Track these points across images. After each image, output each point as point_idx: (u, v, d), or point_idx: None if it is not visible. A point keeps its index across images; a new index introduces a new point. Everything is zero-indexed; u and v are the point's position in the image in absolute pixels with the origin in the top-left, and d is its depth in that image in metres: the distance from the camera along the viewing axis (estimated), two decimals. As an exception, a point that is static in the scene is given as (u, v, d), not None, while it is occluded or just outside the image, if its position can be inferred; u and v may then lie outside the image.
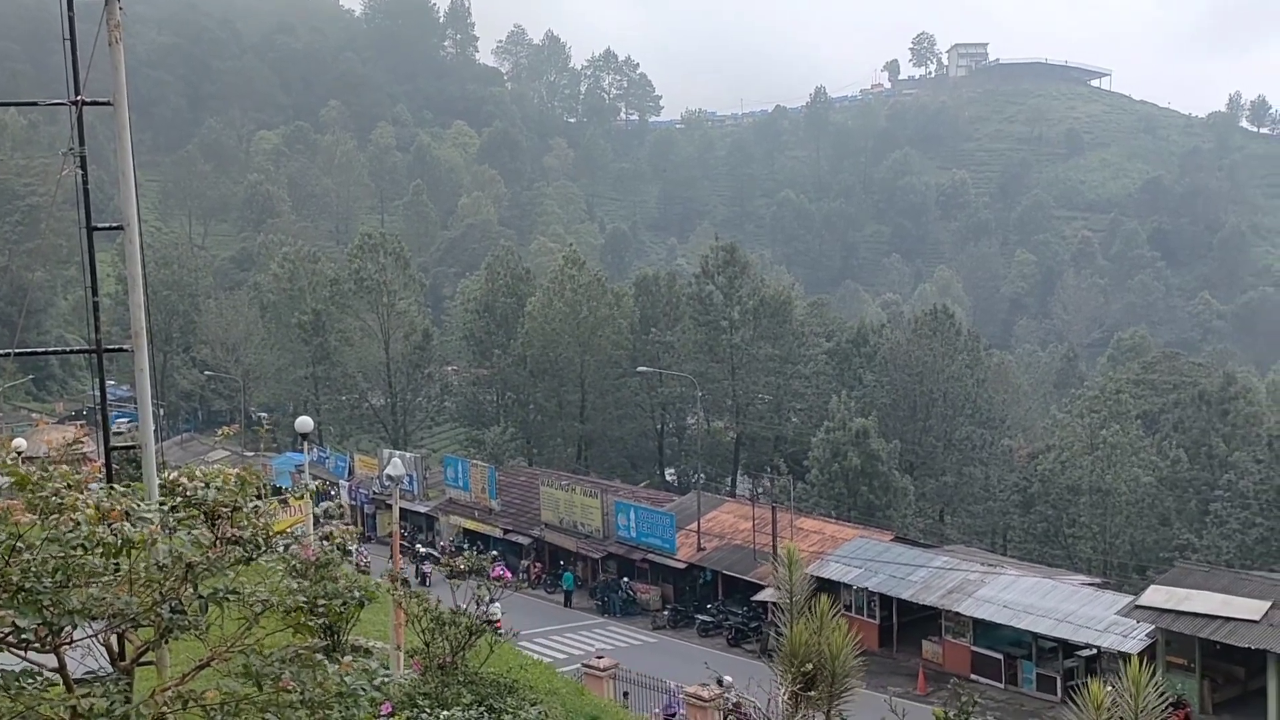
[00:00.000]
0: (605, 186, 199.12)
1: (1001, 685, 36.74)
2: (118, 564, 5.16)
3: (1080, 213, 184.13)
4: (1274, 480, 50.37)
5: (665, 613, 45.77)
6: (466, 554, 10.81)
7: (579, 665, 30.88)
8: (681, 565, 47.04)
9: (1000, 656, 37.24)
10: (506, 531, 54.09)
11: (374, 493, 58.78)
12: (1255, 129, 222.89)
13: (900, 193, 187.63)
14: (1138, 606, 34.46)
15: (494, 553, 49.64)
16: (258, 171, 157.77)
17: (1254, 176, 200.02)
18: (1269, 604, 32.55)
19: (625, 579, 47.81)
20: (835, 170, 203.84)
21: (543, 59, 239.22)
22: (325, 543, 7.26)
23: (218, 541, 5.20)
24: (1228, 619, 32.48)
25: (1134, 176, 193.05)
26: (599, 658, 28.32)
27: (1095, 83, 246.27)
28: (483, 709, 6.39)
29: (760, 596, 39.94)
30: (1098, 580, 43.53)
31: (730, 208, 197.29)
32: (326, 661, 4.83)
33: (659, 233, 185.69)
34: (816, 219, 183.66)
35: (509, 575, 9.70)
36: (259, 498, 5.96)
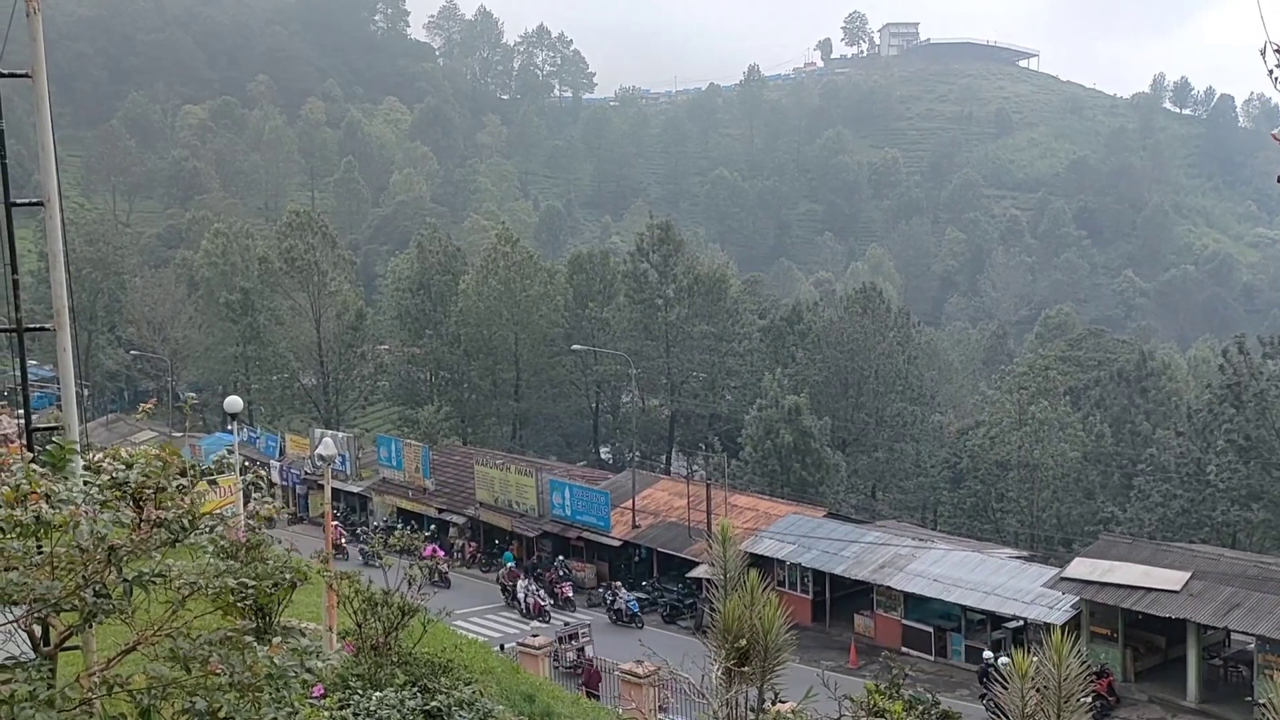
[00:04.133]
0: (539, 164, 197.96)
1: (932, 657, 37.39)
2: (40, 547, 5.05)
3: (1009, 191, 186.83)
4: (1193, 454, 51.61)
5: (600, 591, 45.88)
6: (399, 533, 10.74)
7: (514, 644, 30.91)
8: (617, 543, 47.17)
9: (930, 629, 37.85)
10: (441, 511, 53.83)
11: (306, 473, 58.13)
12: (1178, 110, 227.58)
13: (833, 171, 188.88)
14: (1063, 579, 35.23)
15: (431, 529, 49.57)
16: (183, 147, 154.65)
17: (1176, 157, 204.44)
18: (1188, 574, 33.43)
19: (560, 557, 47.83)
20: (769, 149, 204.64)
21: (475, 34, 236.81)
22: (252, 521, 7.16)
23: (142, 523, 5.09)
24: (1149, 590, 33.31)
25: (1061, 156, 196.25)
26: (534, 636, 28.33)
27: (1023, 63, 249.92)
28: (415, 689, 6.35)
29: (695, 573, 40.18)
30: (1025, 553, 44.32)
31: (665, 186, 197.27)
32: (256, 644, 4.76)
33: (593, 210, 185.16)
34: (750, 197, 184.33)
35: (441, 553, 9.65)
36: (183, 477, 5.85)
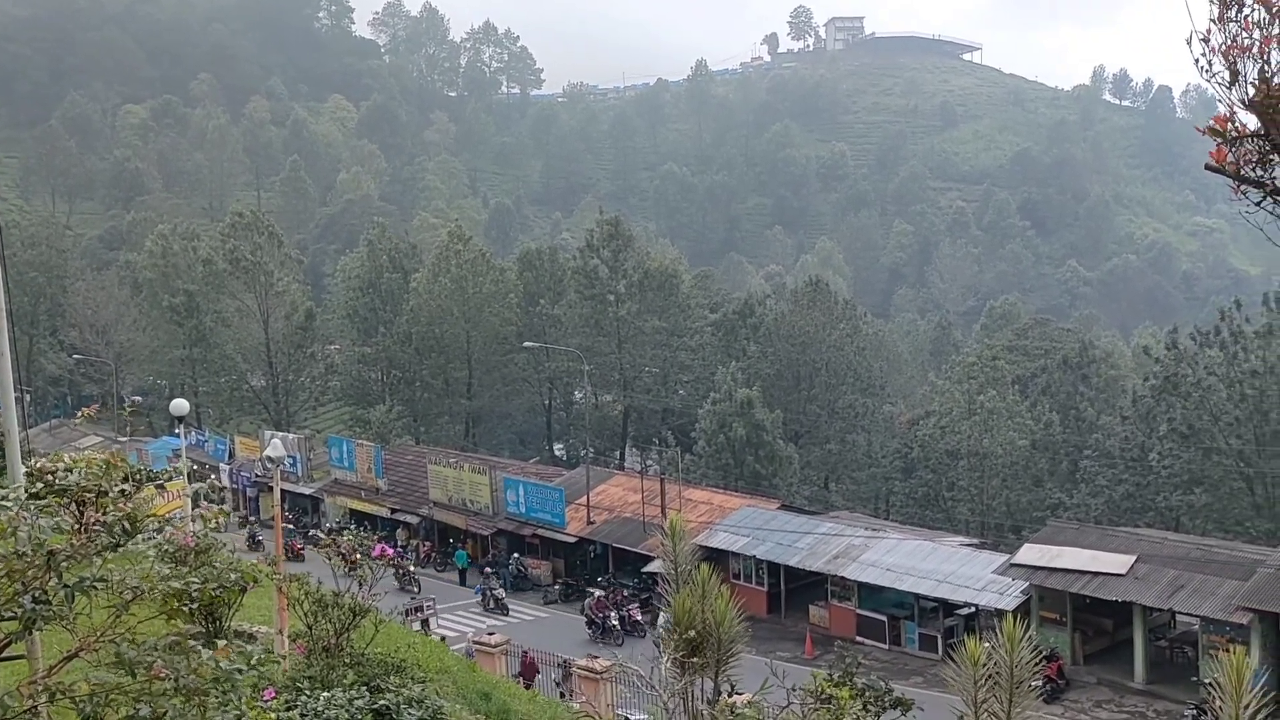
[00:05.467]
0: (487, 161, 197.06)
1: (886, 646, 37.69)
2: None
3: (955, 184, 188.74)
4: (1137, 440, 52.45)
5: (556, 587, 45.85)
6: (350, 533, 10.64)
7: (469, 642, 30.76)
8: (572, 539, 47.11)
9: (884, 618, 38.16)
10: (394, 511, 53.47)
11: (256, 475, 57.47)
12: (1118, 101, 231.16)
13: (781, 165, 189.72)
14: (1013, 565, 35.65)
15: (401, 530, 49.24)
16: (125, 147, 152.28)
17: (1116, 147, 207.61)
18: (1134, 558, 33.97)
19: (515, 555, 47.69)
20: (717, 143, 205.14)
21: (421, 31, 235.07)
22: (200, 525, 7.04)
23: (82, 528, 4.98)
24: (1096, 574, 33.80)
25: (1005, 148, 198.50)
26: (490, 634, 28.22)
27: (967, 56, 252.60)
28: (364, 688, 6.29)
29: (650, 568, 40.21)
30: (976, 541, 44.82)
31: (614, 181, 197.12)
32: (202, 648, 4.68)
33: (543, 207, 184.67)
34: (700, 192, 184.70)
35: (390, 553, 9.57)
36: (127, 482, 5.74)
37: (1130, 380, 62.71)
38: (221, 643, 5.15)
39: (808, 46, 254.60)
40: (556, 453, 75.42)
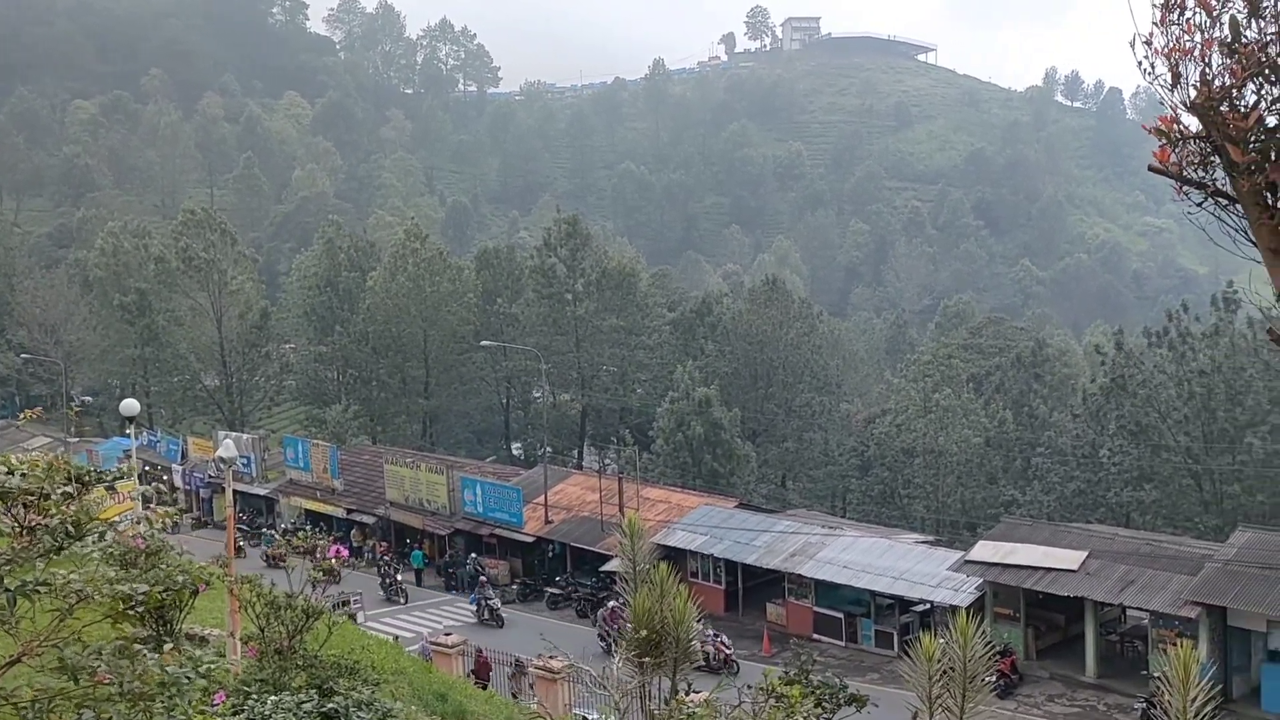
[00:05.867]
0: (444, 159, 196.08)
1: (843, 643, 37.91)
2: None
3: (910, 183, 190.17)
4: (1088, 437, 53.13)
5: (514, 587, 45.71)
6: (302, 534, 10.53)
7: (425, 642, 30.62)
8: (530, 539, 46.99)
9: (841, 615, 38.36)
10: (350, 511, 53.08)
11: (209, 476, 56.83)
12: (1069, 103, 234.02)
13: (739, 164, 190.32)
14: (967, 561, 35.98)
15: (340, 530, 48.81)
16: (74, 143, 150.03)
17: (1068, 148, 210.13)
18: (1085, 554, 34.41)
19: (473, 555, 47.50)
20: (675, 142, 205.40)
21: (376, 28, 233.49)
22: (146, 526, 6.95)
23: (24, 531, 4.88)
24: (1049, 569, 34.20)
25: (959, 148, 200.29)
26: (446, 635, 28.08)
27: (922, 57, 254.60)
28: (313, 690, 6.22)
29: (608, 567, 40.21)
30: (931, 538, 45.16)
31: (571, 180, 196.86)
32: (147, 651, 4.61)
33: (500, 205, 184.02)
34: (657, 190, 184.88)
35: (344, 553, 9.49)
36: (73, 483, 5.64)
37: (1082, 378, 63.48)
38: (168, 646, 5.07)
39: (764, 46, 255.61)
40: (514, 452, 75.19)
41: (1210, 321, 50.22)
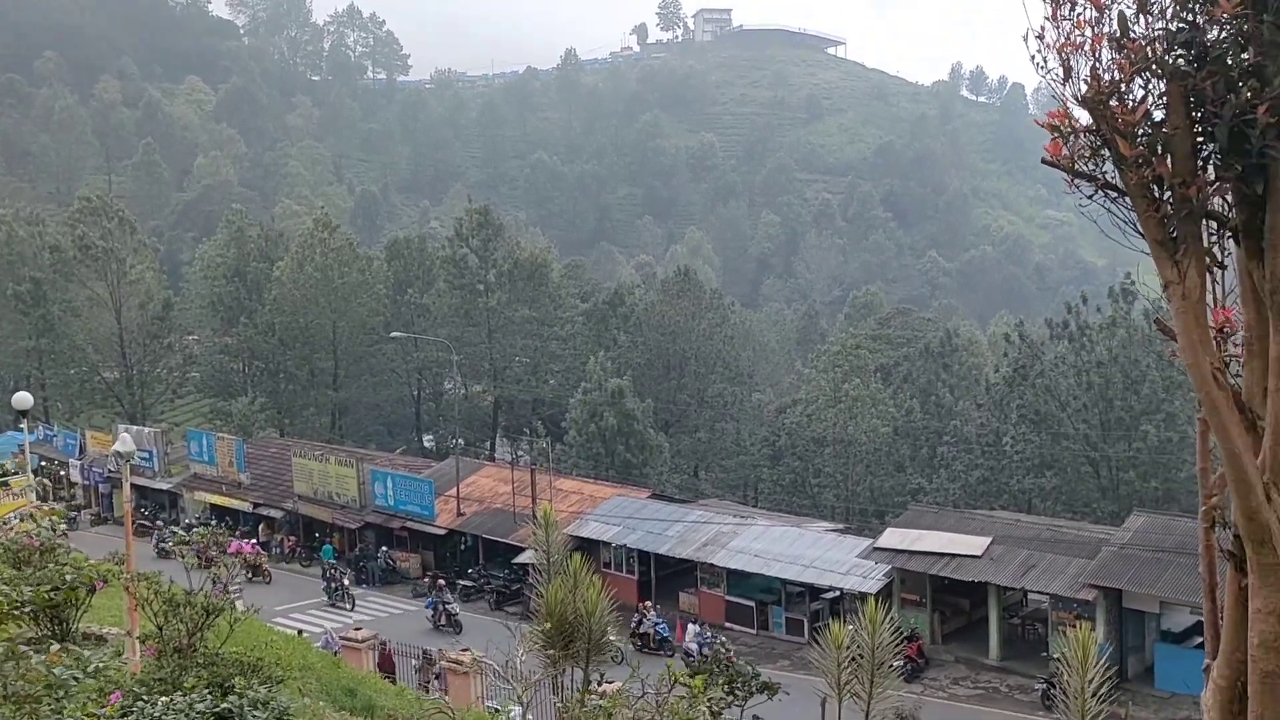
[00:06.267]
0: (353, 147, 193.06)
1: (754, 631, 38.33)
2: None
3: (820, 175, 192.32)
4: (992, 426, 54.37)
5: (425, 580, 45.32)
6: (201, 530, 10.30)
7: (328, 636, 30.29)
8: (441, 531, 46.64)
9: (752, 604, 38.78)
10: (257, 505, 52.11)
11: (109, 471, 55.33)
12: (974, 97, 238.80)
13: (651, 155, 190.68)
14: (876, 549, 36.63)
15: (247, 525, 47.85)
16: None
17: (973, 142, 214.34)
18: (989, 539, 35.25)
19: (384, 548, 46.97)
20: (587, 132, 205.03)
21: (282, 13, 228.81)
22: (33, 524, 6.72)
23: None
24: (954, 555, 34.97)
25: (868, 141, 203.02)
26: (356, 629, 27.75)
27: (831, 50, 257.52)
28: (208, 691, 6.07)
29: (521, 559, 40.07)
30: (841, 526, 45.87)
31: (483, 170, 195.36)
32: (32, 653, 4.46)
33: (411, 195, 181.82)
34: (570, 181, 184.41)
35: (249, 548, 9.31)
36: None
37: (987, 368, 64.88)
38: (55, 647, 4.91)
39: (676, 38, 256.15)
40: (426, 444, 74.51)
41: (1108, 313, 51.69)
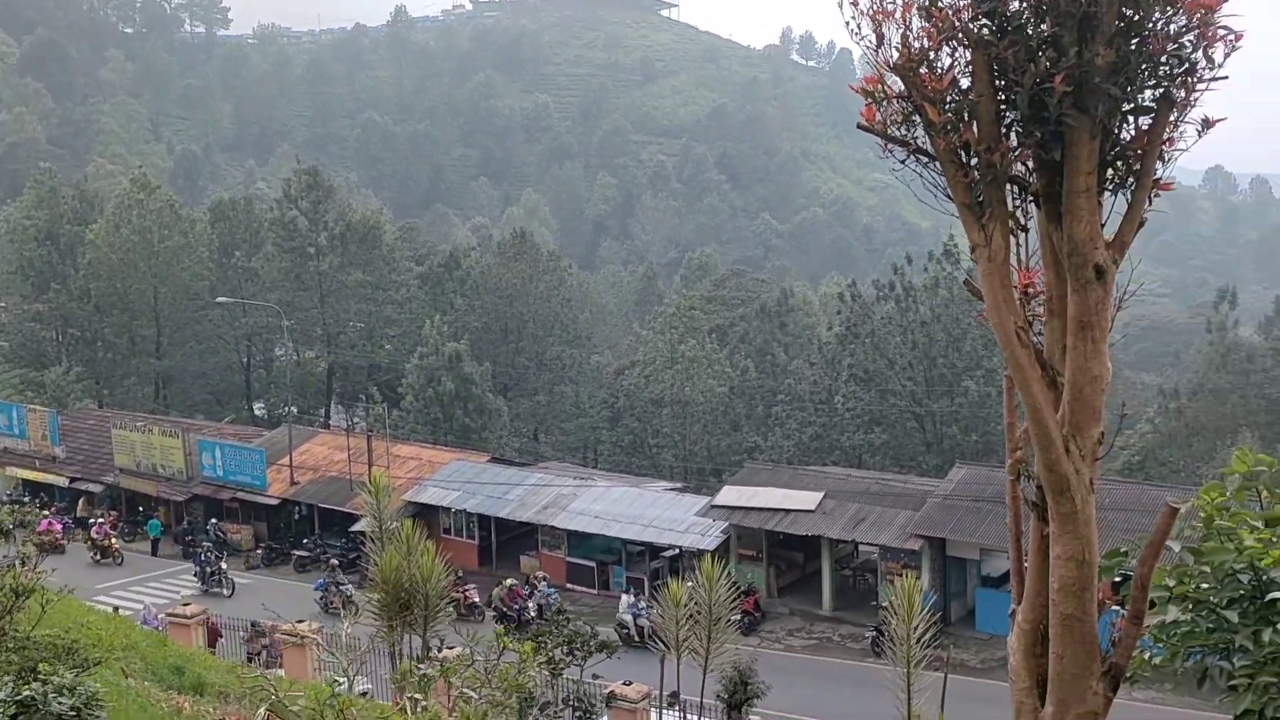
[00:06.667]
0: (171, 104, 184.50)
1: (595, 591, 38.71)
2: None
3: (655, 137, 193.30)
4: (825, 384, 55.94)
5: (259, 551, 44.16)
6: (9, 508, 9.75)
7: (145, 612, 29.33)
8: (274, 501, 45.52)
9: (593, 564, 39.16)
10: (74, 480, 49.76)
11: (-93, 449, 52.00)
12: (804, 62, 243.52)
13: (485, 115, 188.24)
14: (713, 507, 37.39)
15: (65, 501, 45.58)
16: None
17: (803, 106, 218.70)
18: (822, 494, 36.37)
19: (214, 520, 45.52)
20: (419, 92, 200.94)
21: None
22: None
23: None
24: (789, 511, 35.97)
25: (702, 104, 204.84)
26: (185, 605, 26.87)
27: (665, 12, 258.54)
28: (9, 677, 5.76)
29: (358, 527, 39.41)
30: (680, 485, 46.62)
31: (311, 129, 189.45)
32: None
33: (235, 155, 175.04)
34: (402, 141, 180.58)
35: (58, 526, 8.86)
36: None
37: (820, 328, 66.58)
38: None
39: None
40: (257, 412, 72.32)
41: (931, 274, 53.66)
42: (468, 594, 33.59)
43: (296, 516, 46.62)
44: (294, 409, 63.74)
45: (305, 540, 43.75)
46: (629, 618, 32.42)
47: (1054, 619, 5.26)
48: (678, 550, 37.23)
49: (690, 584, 17.69)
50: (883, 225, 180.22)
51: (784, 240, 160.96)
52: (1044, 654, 5.43)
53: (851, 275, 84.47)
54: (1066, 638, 5.21)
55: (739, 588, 30.87)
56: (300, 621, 23.31)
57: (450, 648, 16.56)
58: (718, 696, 19.94)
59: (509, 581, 34.52)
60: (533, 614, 32.91)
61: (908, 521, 34.03)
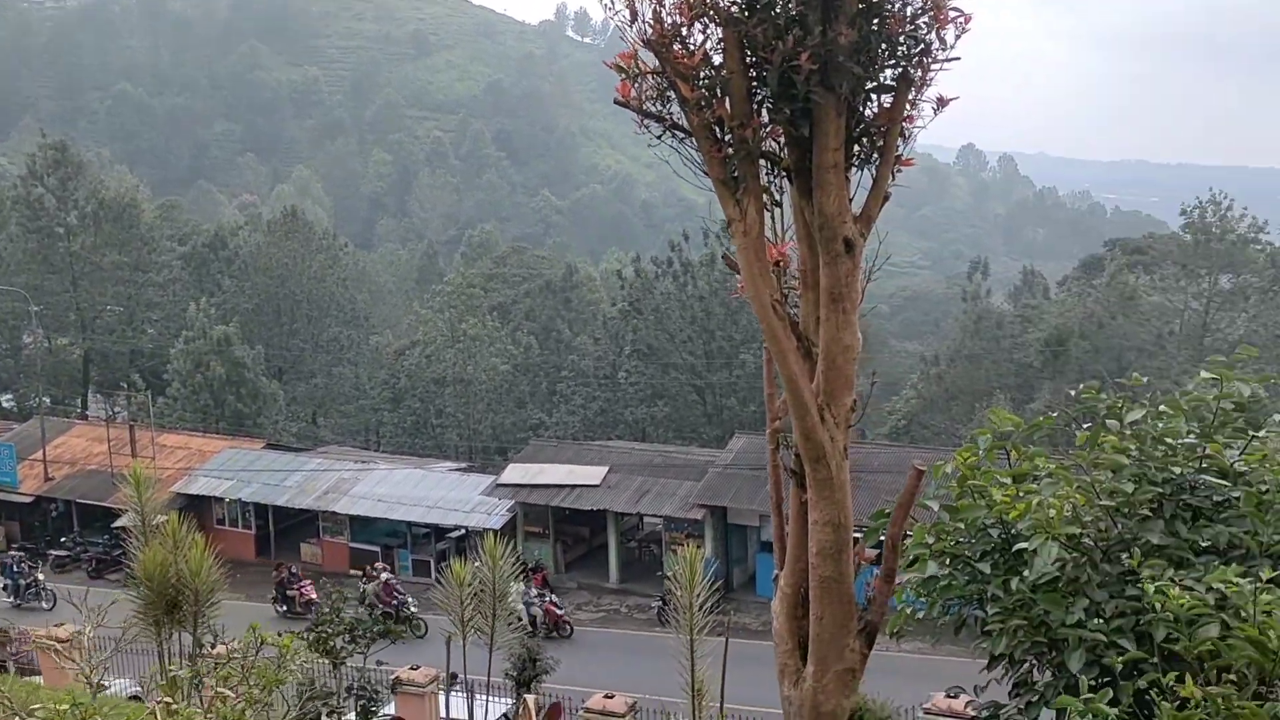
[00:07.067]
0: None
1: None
2: None
3: (431, 113, 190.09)
4: (608, 359, 56.55)
5: (13, 553, 41.25)
6: None
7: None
8: (28, 499, 42.70)
9: (378, 549, 38.45)
10: None
11: None
12: (580, 38, 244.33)
13: (251, 89, 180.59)
14: (499, 485, 37.32)
15: None
16: None
17: (579, 82, 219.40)
18: (606, 469, 36.80)
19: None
20: (177, 63, 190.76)
21: None
22: None
23: None
24: (574, 486, 36.25)
25: (478, 79, 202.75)
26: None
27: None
28: None
29: (122, 522, 37.30)
30: (465, 465, 46.32)
31: (58, 101, 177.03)
32: None
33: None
34: (160, 115, 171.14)
35: None
36: None
37: (603, 303, 67.17)
38: None
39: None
40: (5, 404, 67.48)
41: (708, 249, 54.92)
42: (303, 590, 32.55)
43: (54, 514, 43.84)
44: (46, 400, 59.80)
45: (63, 539, 41.18)
46: (521, 607, 31.30)
47: (813, 582, 5.46)
48: (464, 531, 36.97)
49: (477, 563, 17.58)
50: (660, 201, 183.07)
51: (564, 217, 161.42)
52: (805, 616, 5.63)
53: (632, 250, 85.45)
54: (825, 599, 5.42)
55: (526, 565, 31.06)
56: (59, 625, 21.91)
57: (224, 642, 15.91)
58: (506, 675, 19.94)
59: (384, 576, 32.16)
60: (413, 610, 30.65)
61: (690, 492, 34.81)
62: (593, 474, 36.64)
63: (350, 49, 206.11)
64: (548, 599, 31.20)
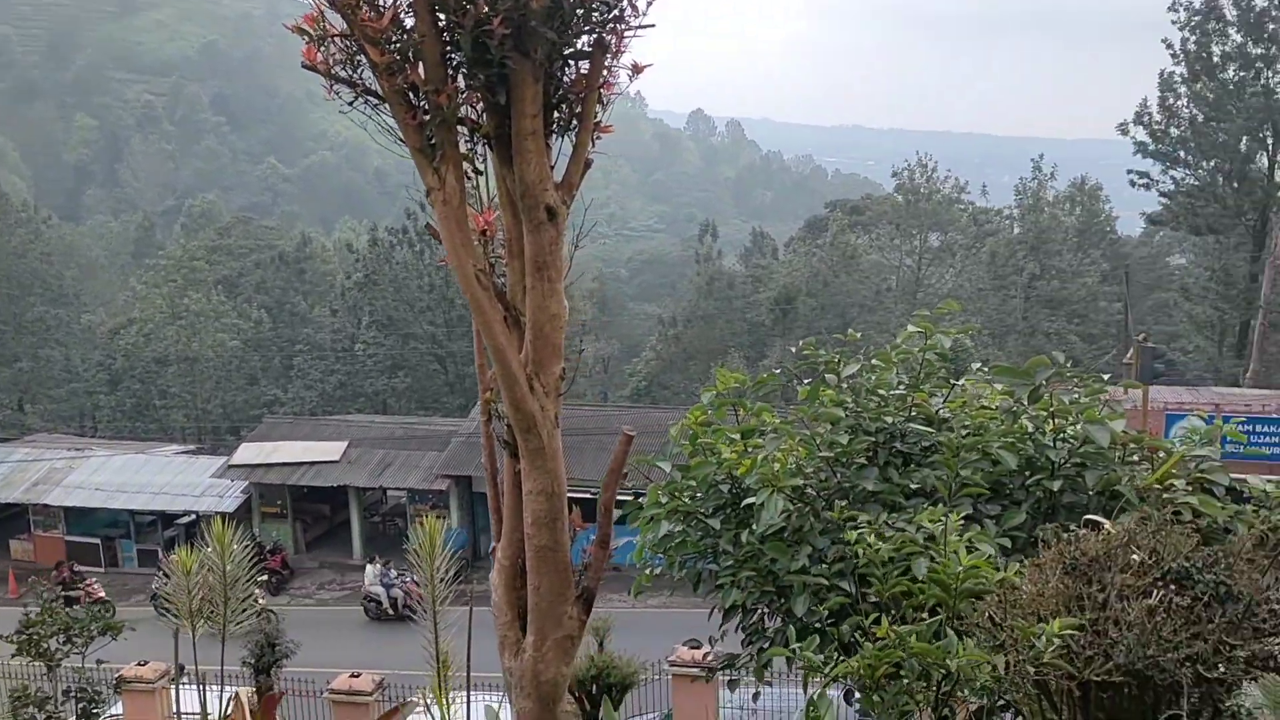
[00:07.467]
0: None
1: (103, 569, 35.87)
2: None
3: (140, 75, 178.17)
4: (346, 331, 55.04)
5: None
6: None
7: None
8: None
9: (98, 540, 36.32)
10: None
11: None
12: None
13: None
14: (231, 466, 35.77)
15: None
16: None
17: (299, 43, 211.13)
18: (346, 443, 35.92)
19: None
20: None
21: None
22: None
23: None
24: (313, 463, 35.20)
25: (190, 39, 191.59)
26: None
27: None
28: None
29: None
30: (193, 447, 44.31)
31: None
32: None
33: None
34: None
35: None
36: None
37: (339, 274, 65.22)
38: None
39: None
40: None
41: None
42: (90, 588, 30.20)
43: None
44: None
45: None
46: (380, 589, 29.91)
47: (530, 551, 5.47)
48: (194, 516, 35.27)
49: (210, 550, 16.78)
50: (394, 168, 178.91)
51: (293, 185, 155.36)
52: (524, 587, 5.64)
53: (366, 219, 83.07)
54: (542, 568, 5.44)
55: (263, 547, 29.89)
56: None
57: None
58: (244, 663, 19.19)
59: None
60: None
61: (434, 463, 34.45)
62: (332, 449, 35.68)
63: (44, 6, 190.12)
64: (410, 579, 29.29)
